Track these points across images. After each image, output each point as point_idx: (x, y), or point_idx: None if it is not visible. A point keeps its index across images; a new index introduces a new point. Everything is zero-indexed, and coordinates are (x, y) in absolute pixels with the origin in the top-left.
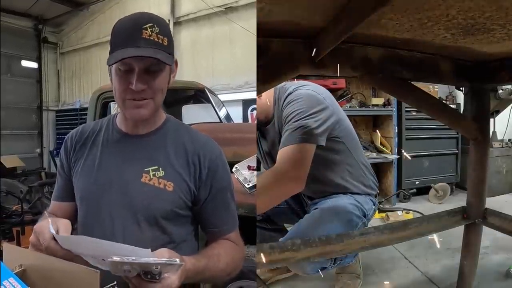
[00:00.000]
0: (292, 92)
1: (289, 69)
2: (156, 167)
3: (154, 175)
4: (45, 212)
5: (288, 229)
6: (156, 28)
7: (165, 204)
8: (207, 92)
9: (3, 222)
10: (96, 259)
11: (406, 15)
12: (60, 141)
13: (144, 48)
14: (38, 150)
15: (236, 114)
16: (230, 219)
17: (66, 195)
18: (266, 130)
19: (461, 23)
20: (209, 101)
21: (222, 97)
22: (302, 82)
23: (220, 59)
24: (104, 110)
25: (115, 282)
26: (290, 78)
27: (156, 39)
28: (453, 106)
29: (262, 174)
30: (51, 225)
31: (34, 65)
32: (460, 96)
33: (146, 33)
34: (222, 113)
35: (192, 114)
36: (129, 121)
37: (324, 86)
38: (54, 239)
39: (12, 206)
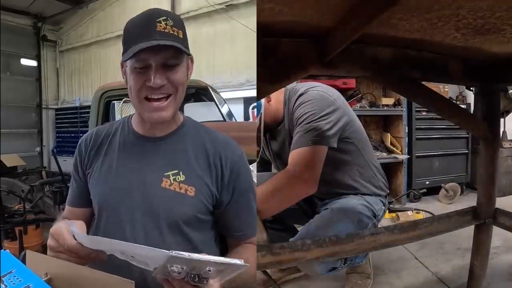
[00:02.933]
0: (303, 94)
1: (299, 70)
2: (176, 171)
3: (174, 179)
4: (58, 217)
5: (299, 229)
6: (170, 21)
7: (186, 209)
8: (210, 90)
9: (5, 221)
10: (125, 255)
11: (416, 15)
12: (60, 139)
13: (159, 41)
14: (38, 149)
15: (237, 112)
16: (253, 221)
17: (80, 200)
18: (277, 131)
19: (471, 23)
20: (212, 100)
21: (223, 95)
22: (312, 83)
23: (220, 56)
24: (107, 109)
25: None
26: (299, 78)
27: (171, 32)
28: (463, 106)
29: (274, 176)
30: (66, 228)
31: (33, 63)
32: (470, 96)
33: (161, 26)
34: (224, 110)
35: (194, 112)
36: (146, 123)
37: (334, 86)
38: (75, 239)
39: (13, 205)
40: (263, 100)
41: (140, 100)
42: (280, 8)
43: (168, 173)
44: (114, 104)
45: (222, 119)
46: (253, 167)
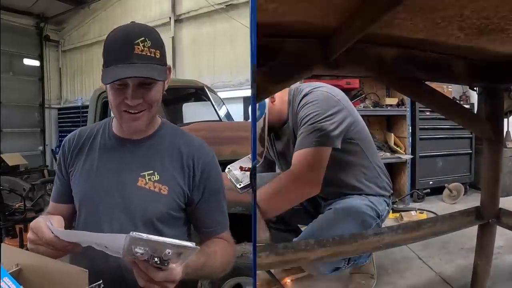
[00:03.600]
0: (308, 94)
1: (303, 69)
2: (152, 171)
3: (149, 179)
4: (43, 212)
5: (302, 229)
6: (148, 42)
7: (160, 207)
8: (207, 90)
9: (6, 219)
10: (99, 245)
11: (420, 15)
12: (63, 138)
13: (137, 65)
14: (41, 148)
15: (237, 112)
16: (222, 219)
17: (64, 197)
18: (281, 131)
19: (475, 23)
20: (209, 99)
21: (223, 95)
22: (317, 83)
23: (221, 56)
24: (104, 109)
25: (101, 281)
26: (304, 78)
27: (148, 54)
28: (467, 106)
29: (278, 177)
30: (45, 222)
31: (36, 63)
32: (474, 96)
33: (139, 48)
34: (222, 111)
35: (193, 112)
36: (123, 128)
37: (338, 86)
38: (52, 233)
39: (14, 203)
40: (267, 100)
41: (119, 112)
42: (285, 8)
43: (144, 173)
44: None
45: (218, 119)
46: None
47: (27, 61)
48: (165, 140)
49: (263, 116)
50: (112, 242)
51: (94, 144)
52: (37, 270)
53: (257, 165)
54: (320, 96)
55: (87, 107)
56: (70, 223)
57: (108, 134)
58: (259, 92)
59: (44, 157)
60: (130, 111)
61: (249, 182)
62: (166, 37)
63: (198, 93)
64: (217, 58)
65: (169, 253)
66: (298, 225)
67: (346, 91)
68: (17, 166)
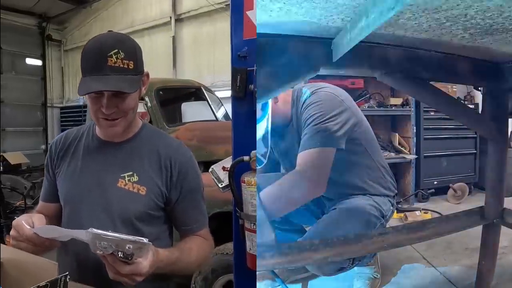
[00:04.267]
0: (311, 95)
1: (308, 69)
2: (131, 172)
3: (129, 180)
4: (33, 210)
5: (307, 229)
6: (121, 53)
7: (138, 206)
8: (203, 90)
9: (7, 217)
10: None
11: (425, 15)
12: None
13: (110, 77)
14: (43, 147)
15: None
16: (200, 217)
17: (51, 196)
18: (284, 132)
19: (479, 23)
20: (205, 99)
21: (223, 94)
22: (320, 83)
23: (221, 55)
24: None
25: (67, 273)
26: (308, 78)
27: (121, 65)
28: (471, 106)
29: (282, 177)
30: (26, 220)
31: (38, 62)
32: (478, 96)
33: (112, 60)
34: (221, 112)
35: (192, 111)
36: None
37: (342, 86)
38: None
39: (16, 202)
40: (270, 101)
41: (97, 119)
42: (289, 8)
43: (124, 174)
44: None
45: (214, 118)
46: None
47: (30, 61)
48: (144, 143)
49: (266, 116)
50: (79, 237)
51: (79, 146)
52: (16, 264)
53: (261, 166)
54: (324, 96)
55: None
56: (58, 221)
57: (91, 136)
58: (262, 92)
59: (46, 156)
60: (107, 118)
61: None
62: (166, 37)
63: (197, 93)
64: (217, 57)
65: (129, 248)
66: (303, 225)
67: (351, 91)
68: (19, 164)
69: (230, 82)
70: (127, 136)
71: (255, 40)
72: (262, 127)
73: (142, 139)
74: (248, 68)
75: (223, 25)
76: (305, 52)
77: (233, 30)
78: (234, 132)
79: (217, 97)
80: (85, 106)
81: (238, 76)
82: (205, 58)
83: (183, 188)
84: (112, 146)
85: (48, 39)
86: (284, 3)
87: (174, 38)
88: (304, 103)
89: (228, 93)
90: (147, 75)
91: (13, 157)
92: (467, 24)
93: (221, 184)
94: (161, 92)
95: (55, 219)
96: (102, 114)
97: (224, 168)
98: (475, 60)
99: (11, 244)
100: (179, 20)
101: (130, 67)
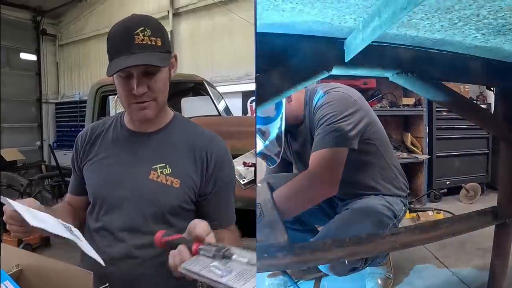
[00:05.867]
0: (324, 95)
1: (320, 69)
2: (164, 164)
3: (161, 172)
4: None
5: (319, 229)
6: (148, 31)
7: (171, 200)
8: (206, 84)
9: (3, 214)
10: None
11: (437, 15)
12: (60, 133)
13: (138, 54)
14: (38, 143)
15: (236, 106)
16: (231, 213)
17: (78, 190)
18: (297, 131)
19: (491, 23)
20: (208, 94)
21: (222, 89)
22: (333, 83)
23: (219, 50)
24: (103, 104)
25: (107, 284)
26: (320, 78)
27: (149, 42)
28: (483, 106)
29: (295, 177)
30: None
31: (33, 57)
32: (491, 96)
33: (139, 38)
34: (221, 106)
35: (192, 106)
36: (135, 120)
37: (355, 86)
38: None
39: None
40: (283, 100)
41: (128, 104)
42: (301, 8)
43: (156, 166)
44: (109, 99)
45: (217, 113)
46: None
47: (24, 56)
48: (177, 133)
49: (280, 115)
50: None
51: (106, 137)
52: (38, 271)
53: (274, 165)
54: (336, 96)
55: (84, 102)
56: (84, 214)
57: (120, 128)
58: (276, 92)
59: (42, 152)
60: (138, 101)
61: (253, 178)
62: None
63: (196, 88)
64: (215, 52)
65: None
66: (315, 225)
67: (363, 91)
68: (15, 161)
69: (228, 77)
70: (158, 126)
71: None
72: (276, 126)
73: (174, 129)
74: None
75: (221, 20)
76: (317, 52)
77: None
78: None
79: (218, 91)
80: (81, 102)
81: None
82: (203, 53)
83: (217, 182)
84: (143, 136)
85: (43, 34)
86: (296, 3)
87: (171, 32)
88: (317, 103)
89: (227, 88)
90: (175, 57)
91: (8, 154)
92: (479, 24)
93: (243, 181)
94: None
95: (82, 212)
96: (133, 98)
97: (245, 164)
98: (487, 60)
99: (9, 236)
100: (176, 14)
101: (158, 44)
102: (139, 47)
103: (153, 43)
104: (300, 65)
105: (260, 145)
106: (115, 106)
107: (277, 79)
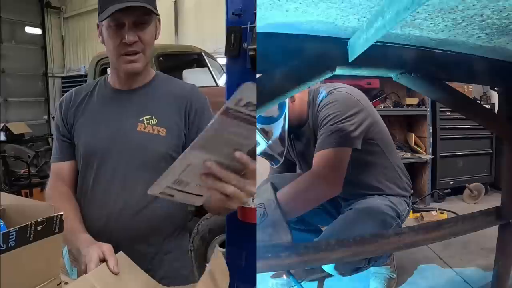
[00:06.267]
0: (327, 95)
1: (324, 69)
2: (149, 116)
3: (148, 123)
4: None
5: (323, 229)
6: None
7: (160, 147)
8: (204, 56)
9: (12, 184)
10: None
11: (441, 15)
12: None
13: (132, 2)
14: (45, 117)
15: None
16: None
17: (66, 154)
18: (301, 131)
19: (495, 23)
20: (206, 65)
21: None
22: (336, 84)
23: (224, 21)
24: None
25: (62, 212)
26: (324, 78)
27: None
28: (487, 106)
29: (299, 177)
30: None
31: (38, 31)
32: (494, 96)
33: None
34: (223, 78)
35: (194, 78)
36: (121, 77)
37: (359, 86)
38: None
39: (20, 170)
40: (287, 100)
41: (117, 55)
42: (305, 8)
43: (143, 118)
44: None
45: (215, 84)
46: None
47: (29, 29)
48: (160, 87)
49: (283, 115)
50: None
51: (92, 97)
52: (17, 209)
53: (277, 165)
54: (340, 97)
55: None
56: (73, 181)
57: (105, 87)
58: (279, 92)
59: (49, 126)
60: (128, 52)
61: None
62: (168, 1)
63: (199, 59)
64: (220, 23)
65: None
66: (319, 225)
67: (367, 91)
68: (22, 134)
69: None
70: (142, 83)
71: None
72: (279, 126)
73: (157, 85)
74: (242, 26)
75: None
76: (321, 52)
77: None
78: (228, 91)
79: (219, 63)
80: (86, 75)
81: (232, 35)
82: (208, 24)
83: (199, 127)
84: (128, 93)
85: (47, 7)
86: (300, 3)
87: (175, 3)
88: (320, 103)
89: None
90: (159, 20)
91: (16, 127)
92: (483, 24)
93: None
94: (161, 58)
95: (71, 182)
96: (123, 48)
97: None
98: (491, 60)
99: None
100: None
101: None
102: None
103: None
104: (304, 65)
105: (263, 144)
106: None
107: (281, 79)
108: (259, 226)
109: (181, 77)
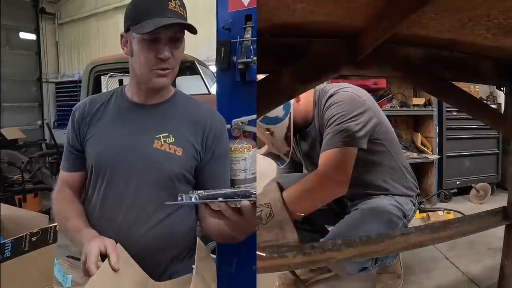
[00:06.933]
0: (333, 95)
1: (330, 69)
2: (167, 134)
3: (165, 141)
4: (54, 185)
5: (329, 229)
6: (178, 0)
7: (174, 167)
8: (197, 64)
9: (5, 190)
10: None
11: (447, 15)
12: (61, 112)
13: (172, 18)
14: (39, 122)
15: None
16: (226, 184)
17: (75, 165)
18: (306, 132)
19: (502, 23)
20: (199, 73)
21: None
22: (342, 84)
23: None
24: (97, 83)
25: (56, 224)
26: (330, 78)
27: (179, 11)
28: (494, 106)
29: (305, 177)
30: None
31: (32, 36)
32: (501, 96)
33: (171, 4)
34: (215, 86)
35: (188, 86)
36: (142, 91)
37: (365, 86)
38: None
39: (13, 176)
40: (292, 100)
41: (149, 69)
42: (312, 8)
43: (159, 135)
44: (101, 78)
45: (207, 92)
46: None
47: (24, 35)
48: (179, 106)
49: (288, 115)
50: None
51: (108, 108)
52: (10, 218)
53: (283, 165)
54: (345, 96)
55: None
56: (80, 191)
57: (122, 99)
58: (285, 92)
59: (43, 131)
60: (161, 67)
61: None
62: None
63: (192, 67)
64: (213, 31)
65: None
66: (325, 225)
67: (373, 91)
68: (16, 140)
69: None
70: (161, 99)
71: (239, 12)
72: (284, 126)
73: (176, 102)
74: (231, 40)
75: None
76: (327, 52)
77: (218, 2)
78: (218, 102)
79: (211, 71)
80: (80, 81)
81: (222, 48)
82: (202, 31)
83: (215, 152)
84: (146, 108)
85: (42, 12)
86: (306, 3)
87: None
88: (326, 103)
89: None
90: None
91: (10, 132)
92: (489, 24)
93: None
94: None
95: (78, 189)
96: (155, 64)
97: None
98: (497, 60)
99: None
100: None
101: (185, 15)
102: (172, 13)
103: (182, 13)
104: (310, 66)
105: (269, 145)
106: (107, 85)
107: (287, 80)
108: (264, 226)
109: (174, 84)
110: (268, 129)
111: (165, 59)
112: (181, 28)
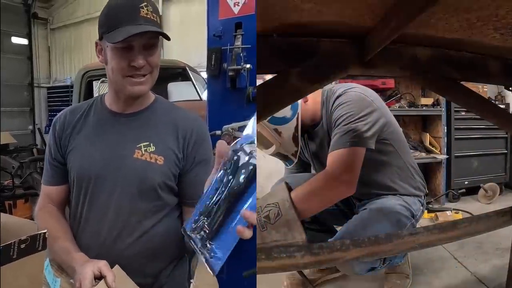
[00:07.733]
0: (341, 95)
1: (338, 69)
2: (147, 143)
3: (145, 150)
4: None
5: (337, 229)
6: (150, 7)
7: (156, 176)
8: (188, 70)
9: None
10: None
11: (455, 15)
12: (52, 117)
13: (144, 25)
14: (31, 127)
15: None
16: None
17: (58, 179)
18: (314, 132)
19: (510, 23)
20: (190, 80)
21: None
22: (350, 84)
23: None
24: (89, 89)
25: (45, 230)
26: (339, 78)
27: (152, 18)
28: (502, 106)
29: (313, 178)
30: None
31: (24, 41)
32: (509, 96)
33: (144, 11)
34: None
35: (179, 92)
36: (120, 99)
37: (373, 86)
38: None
39: (4, 181)
40: (300, 100)
41: (123, 77)
42: (320, 8)
43: (140, 144)
44: (93, 84)
45: (198, 98)
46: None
47: (15, 40)
48: (159, 113)
49: (296, 115)
50: None
51: (88, 120)
52: (5, 225)
53: (291, 165)
54: (353, 97)
55: None
56: (64, 205)
57: (101, 109)
58: (293, 92)
59: (34, 136)
60: (135, 74)
61: None
62: None
63: (184, 73)
64: (205, 37)
65: None
66: (333, 225)
67: (382, 91)
68: (7, 145)
69: None
70: (140, 107)
71: (230, 20)
72: (292, 126)
73: (156, 110)
74: (222, 47)
75: None
76: (335, 52)
77: (209, 10)
78: (209, 108)
79: (203, 77)
80: (72, 86)
81: (213, 55)
82: (193, 38)
83: (195, 159)
84: (126, 117)
85: (34, 18)
86: (314, 3)
87: (161, 17)
88: (334, 103)
89: None
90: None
91: (0, 137)
92: (498, 24)
93: None
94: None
95: (62, 203)
96: (129, 71)
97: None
98: (506, 60)
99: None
100: None
101: (158, 21)
102: (144, 20)
103: (155, 19)
104: (318, 66)
105: (277, 145)
106: (99, 91)
107: (295, 80)
108: (273, 226)
109: (166, 90)
110: (276, 130)
111: (139, 67)
112: (155, 35)
